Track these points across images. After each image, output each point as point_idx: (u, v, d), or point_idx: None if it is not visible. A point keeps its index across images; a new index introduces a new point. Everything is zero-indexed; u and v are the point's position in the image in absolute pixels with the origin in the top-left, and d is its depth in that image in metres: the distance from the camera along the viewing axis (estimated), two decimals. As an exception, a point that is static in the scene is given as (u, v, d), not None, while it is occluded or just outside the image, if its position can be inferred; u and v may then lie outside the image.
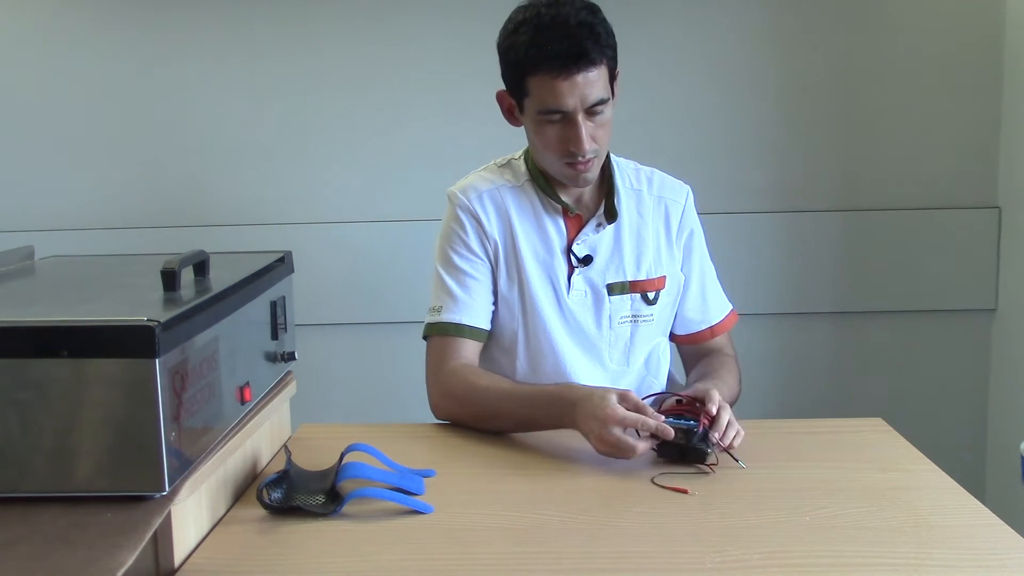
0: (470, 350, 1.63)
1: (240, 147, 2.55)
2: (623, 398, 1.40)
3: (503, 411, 1.53)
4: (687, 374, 1.80)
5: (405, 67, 2.53)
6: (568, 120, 1.51)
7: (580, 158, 1.53)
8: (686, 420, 1.38)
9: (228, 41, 2.52)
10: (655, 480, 1.33)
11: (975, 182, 2.56)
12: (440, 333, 1.63)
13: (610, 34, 1.51)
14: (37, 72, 2.53)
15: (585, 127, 1.50)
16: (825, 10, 2.52)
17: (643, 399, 1.40)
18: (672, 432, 1.34)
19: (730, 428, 1.38)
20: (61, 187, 2.56)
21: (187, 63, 2.52)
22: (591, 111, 1.51)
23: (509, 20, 1.55)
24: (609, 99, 1.52)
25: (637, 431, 1.36)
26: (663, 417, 1.37)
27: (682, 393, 1.46)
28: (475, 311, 1.63)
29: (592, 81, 1.48)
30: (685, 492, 1.29)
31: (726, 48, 2.53)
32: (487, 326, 1.66)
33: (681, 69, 2.51)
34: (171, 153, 2.56)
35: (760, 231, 2.57)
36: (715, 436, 1.36)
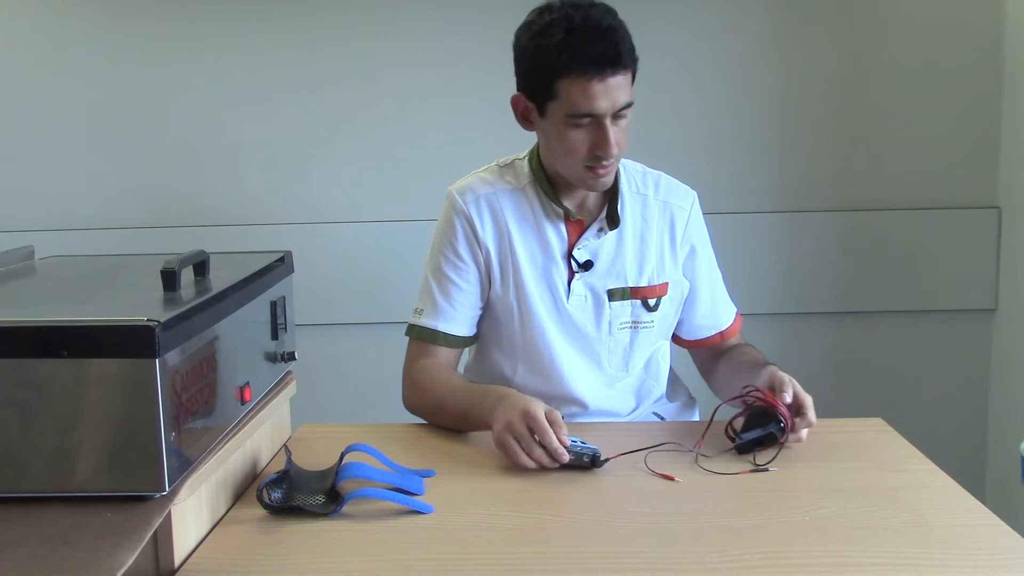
0: (444, 356, 1.66)
1: (240, 147, 2.55)
2: (538, 409, 1.37)
3: (447, 403, 1.57)
4: (707, 375, 1.79)
5: (405, 67, 2.53)
6: (596, 124, 1.49)
7: (604, 162, 1.52)
8: (584, 444, 1.36)
9: (228, 41, 2.52)
10: (646, 461, 1.36)
11: (975, 182, 2.56)
12: (417, 336, 1.67)
13: (631, 38, 1.50)
14: (37, 72, 2.53)
15: (611, 131, 1.49)
16: (825, 11, 2.52)
17: (730, 400, 1.46)
18: (567, 457, 1.34)
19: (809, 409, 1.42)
20: (61, 187, 2.56)
21: (187, 63, 2.53)
22: (617, 115, 1.49)
23: (532, 23, 1.51)
24: (632, 103, 1.51)
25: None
26: (568, 442, 1.35)
27: (759, 388, 1.45)
28: (453, 318, 1.65)
29: (621, 85, 1.47)
30: (671, 479, 1.31)
31: (726, 48, 2.53)
32: (466, 332, 1.67)
33: (681, 69, 2.52)
34: (171, 153, 2.56)
35: (760, 231, 2.57)
36: (794, 423, 1.40)
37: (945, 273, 2.58)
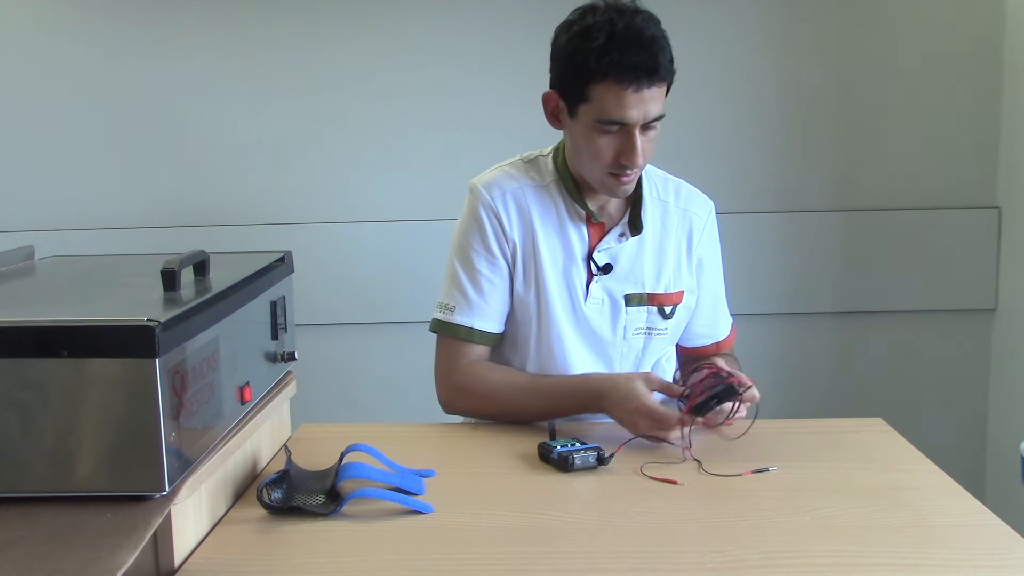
0: (480, 353, 1.64)
1: (241, 147, 2.55)
2: (648, 381, 1.46)
3: (523, 406, 1.56)
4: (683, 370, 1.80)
5: (406, 67, 2.53)
6: (625, 132, 1.48)
7: (628, 171, 1.51)
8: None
9: (229, 40, 2.52)
10: (643, 469, 1.36)
11: (975, 182, 2.56)
12: (451, 334, 1.63)
13: (671, 50, 1.48)
14: (37, 72, 2.53)
15: (639, 141, 1.49)
16: (825, 10, 2.52)
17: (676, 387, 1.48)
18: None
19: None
20: (61, 187, 2.56)
21: (188, 63, 2.53)
22: (645, 126, 1.48)
23: (573, 23, 1.50)
24: (664, 116, 1.50)
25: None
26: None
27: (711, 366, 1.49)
28: (488, 315, 1.63)
29: (655, 97, 1.46)
30: (674, 483, 1.30)
31: (726, 48, 2.53)
32: (499, 329, 1.65)
33: (681, 69, 2.50)
34: (171, 153, 2.56)
35: (760, 231, 2.57)
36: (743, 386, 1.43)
37: (945, 273, 2.58)
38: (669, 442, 1.42)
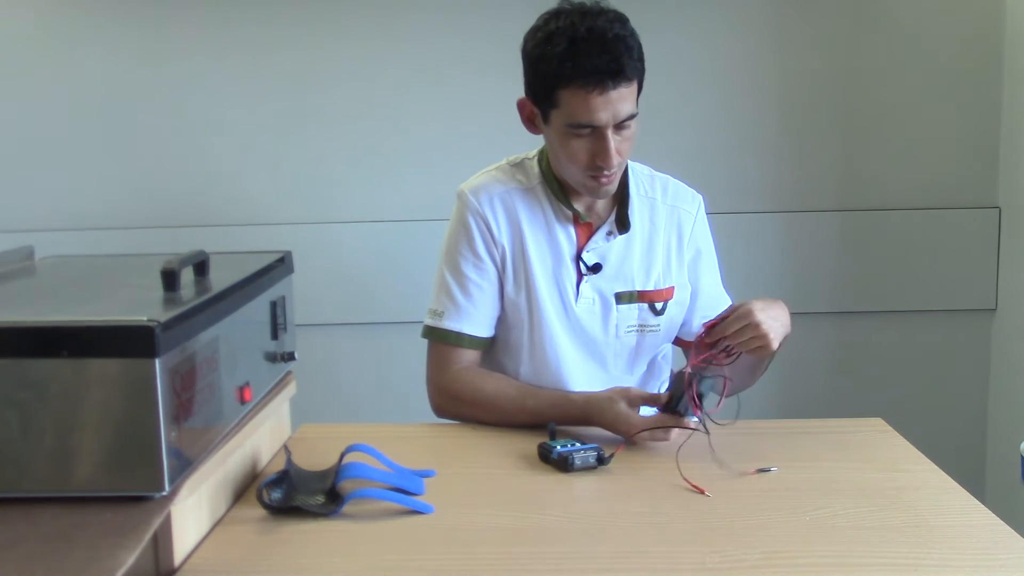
0: (470, 358, 1.64)
1: (240, 147, 2.55)
2: (629, 400, 1.47)
3: (512, 418, 1.56)
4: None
5: (405, 67, 2.53)
6: (597, 134, 1.48)
7: (605, 172, 1.52)
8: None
9: (228, 40, 2.52)
10: (681, 469, 1.34)
11: (975, 182, 2.56)
12: (441, 340, 1.64)
13: (640, 47, 1.48)
14: (37, 72, 2.53)
15: (612, 142, 1.49)
16: (825, 10, 2.52)
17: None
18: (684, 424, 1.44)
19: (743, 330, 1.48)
20: (61, 187, 2.56)
21: (187, 62, 2.52)
22: (619, 126, 1.49)
23: (538, 28, 1.50)
24: (637, 114, 1.50)
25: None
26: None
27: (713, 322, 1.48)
28: (476, 319, 1.63)
29: (624, 97, 1.46)
30: (702, 492, 1.29)
31: (726, 48, 2.53)
32: (488, 333, 1.65)
33: (681, 69, 2.52)
34: (171, 153, 2.56)
35: (760, 231, 2.57)
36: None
37: (945, 273, 2.58)
38: (669, 437, 1.44)
